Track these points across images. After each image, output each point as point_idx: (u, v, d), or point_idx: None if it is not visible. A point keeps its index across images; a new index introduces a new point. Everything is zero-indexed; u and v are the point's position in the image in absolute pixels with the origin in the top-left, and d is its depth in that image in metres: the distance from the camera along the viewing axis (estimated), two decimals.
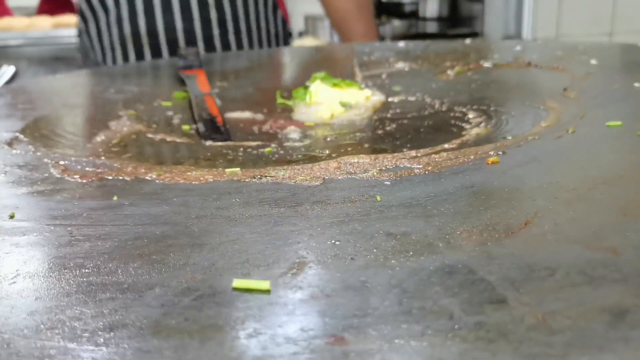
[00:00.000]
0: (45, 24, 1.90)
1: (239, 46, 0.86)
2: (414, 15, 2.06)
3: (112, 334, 0.17)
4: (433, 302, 0.18)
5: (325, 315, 0.18)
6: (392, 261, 0.21)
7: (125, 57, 0.86)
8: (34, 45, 1.84)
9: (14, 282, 0.21)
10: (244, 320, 0.18)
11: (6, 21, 1.90)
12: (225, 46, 0.85)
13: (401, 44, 0.75)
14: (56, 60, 1.84)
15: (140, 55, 0.85)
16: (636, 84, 0.45)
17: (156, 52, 0.85)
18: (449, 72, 0.58)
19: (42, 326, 0.18)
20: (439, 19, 2.01)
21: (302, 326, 0.17)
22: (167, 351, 0.16)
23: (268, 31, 0.90)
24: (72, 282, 0.21)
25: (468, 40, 0.74)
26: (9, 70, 1.07)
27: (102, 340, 0.17)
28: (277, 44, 0.92)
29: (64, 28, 1.83)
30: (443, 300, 0.18)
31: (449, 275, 0.20)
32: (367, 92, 0.52)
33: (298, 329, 0.17)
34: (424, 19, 2.02)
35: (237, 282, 0.20)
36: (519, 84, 0.54)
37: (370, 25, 0.89)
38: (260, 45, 0.89)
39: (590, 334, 0.16)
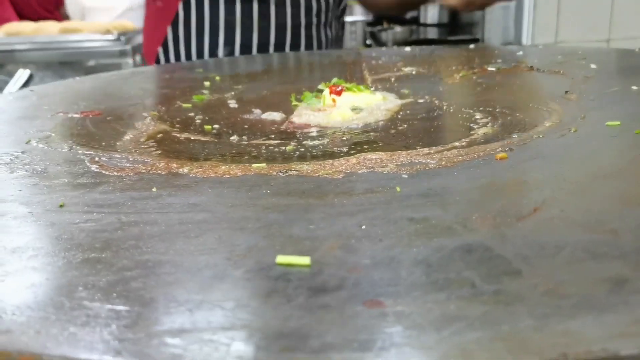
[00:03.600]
0: (52, 29, 1.93)
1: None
2: (414, 21, 2.10)
3: (175, 299, 0.20)
4: (456, 274, 0.21)
5: (361, 285, 0.20)
6: (416, 242, 0.24)
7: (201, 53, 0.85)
8: (42, 50, 1.86)
9: (79, 259, 0.24)
10: (297, 288, 0.20)
11: (14, 26, 1.93)
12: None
13: (407, 49, 0.78)
14: (63, 65, 1.87)
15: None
16: (634, 87, 0.48)
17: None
18: (455, 75, 0.61)
19: (114, 294, 0.20)
20: (440, 25, 2.04)
21: (341, 293, 0.20)
22: (228, 315, 0.19)
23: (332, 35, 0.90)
24: (130, 259, 0.23)
25: (472, 46, 0.77)
26: (24, 74, 1.10)
27: (166, 306, 0.20)
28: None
29: (71, 33, 1.86)
30: (464, 273, 0.21)
31: (468, 252, 0.22)
32: (378, 96, 0.54)
33: (335, 296, 0.20)
34: (425, 25, 2.06)
35: (281, 258, 0.22)
36: (522, 87, 0.56)
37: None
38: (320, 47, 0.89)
39: (594, 299, 0.18)
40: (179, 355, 0.17)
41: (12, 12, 2.17)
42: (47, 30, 1.91)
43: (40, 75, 1.86)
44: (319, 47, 0.86)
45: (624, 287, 0.19)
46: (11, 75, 1.32)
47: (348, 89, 0.54)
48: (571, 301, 0.18)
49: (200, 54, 0.84)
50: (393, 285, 0.20)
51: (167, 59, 0.86)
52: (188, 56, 0.84)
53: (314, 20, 0.83)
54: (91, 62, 1.83)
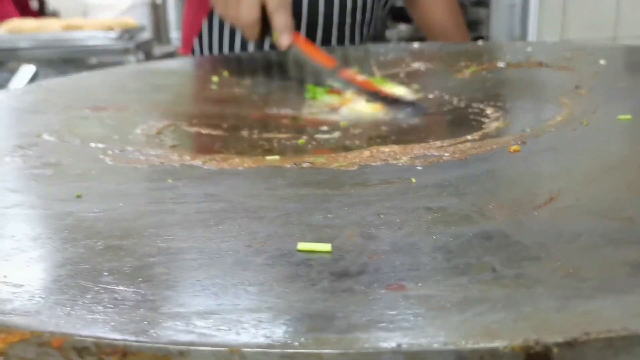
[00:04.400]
0: (54, 26, 1.93)
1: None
2: None
3: (201, 284, 0.20)
4: (476, 259, 0.21)
5: (383, 270, 0.21)
6: (435, 229, 0.24)
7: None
8: (44, 47, 1.87)
9: (101, 246, 0.24)
10: (320, 272, 0.21)
11: (16, 23, 1.93)
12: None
13: (415, 45, 0.78)
14: (65, 62, 1.87)
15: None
16: None
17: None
18: (465, 71, 0.61)
19: (139, 278, 0.21)
20: None
21: (363, 278, 0.20)
22: (254, 299, 0.19)
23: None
24: (152, 246, 0.24)
25: (480, 42, 0.77)
26: (29, 69, 1.10)
27: (192, 290, 0.20)
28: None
29: (74, 30, 1.87)
30: (485, 258, 0.21)
31: (487, 239, 0.22)
32: (401, 89, 0.54)
33: (358, 280, 0.20)
34: None
35: (302, 245, 0.23)
36: (532, 82, 0.57)
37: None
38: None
39: (614, 281, 0.19)
40: (208, 334, 0.17)
41: (13, 7, 2.17)
42: (49, 27, 1.92)
43: (42, 72, 1.87)
44: (353, 45, 0.86)
45: None
46: (13, 72, 1.32)
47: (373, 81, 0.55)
48: (591, 284, 0.19)
49: (232, 48, 0.84)
50: (414, 270, 0.20)
51: (202, 51, 0.87)
52: (220, 49, 0.85)
53: (348, 19, 0.83)
54: (94, 60, 1.83)
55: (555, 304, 0.18)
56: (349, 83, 0.56)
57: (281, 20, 0.63)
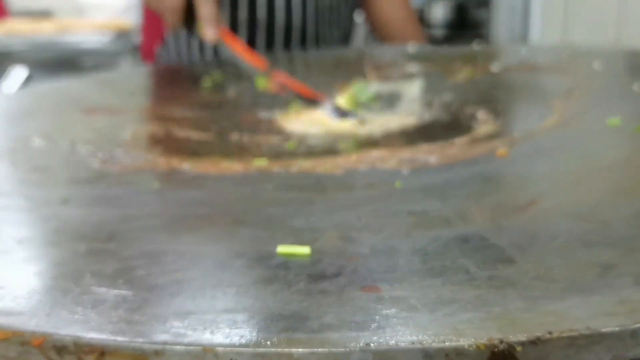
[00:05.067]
0: (48, 27, 1.93)
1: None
2: (421, 20, 2.10)
3: (180, 286, 0.21)
4: (451, 262, 0.21)
5: (359, 272, 0.21)
6: (414, 232, 0.24)
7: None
8: (38, 49, 1.85)
9: (84, 249, 0.24)
10: (297, 275, 0.21)
11: (10, 25, 1.93)
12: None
13: (411, 47, 0.79)
14: (60, 64, 1.86)
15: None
16: (635, 87, 0.48)
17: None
18: (458, 74, 0.62)
19: (120, 280, 0.21)
20: (446, 24, 2.05)
21: (339, 280, 0.20)
22: (230, 300, 0.20)
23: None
24: (134, 249, 0.24)
25: (476, 45, 0.78)
26: (22, 72, 1.09)
27: (170, 291, 0.20)
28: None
29: (68, 33, 1.86)
30: (460, 260, 0.21)
31: (464, 242, 0.23)
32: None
33: (334, 282, 0.20)
34: (431, 25, 2.06)
35: (281, 248, 0.23)
36: (526, 85, 0.57)
37: (422, 36, 0.92)
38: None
39: (582, 282, 0.19)
40: (183, 334, 0.17)
41: (2, 6, 2.16)
42: (42, 28, 1.91)
43: (36, 74, 1.86)
44: (326, 45, 0.86)
45: (612, 271, 0.19)
46: (7, 74, 1.31)
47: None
48: (560, 285, 0.19)
49: (202, 53, 0.84)
50: (390, 272, 0.21)
51: (168, 58, 0.86)
52: (190, 55, 0.84)
53: (325, 18, 0.83)
54: (88, 62, 1.83)
55: (524, 304, 0.18)
56: (283, 86, 0.56)
57: (206, 10, 0.59)
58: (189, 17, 0.62)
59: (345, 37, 0.91)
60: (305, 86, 0.56)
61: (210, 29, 0.59)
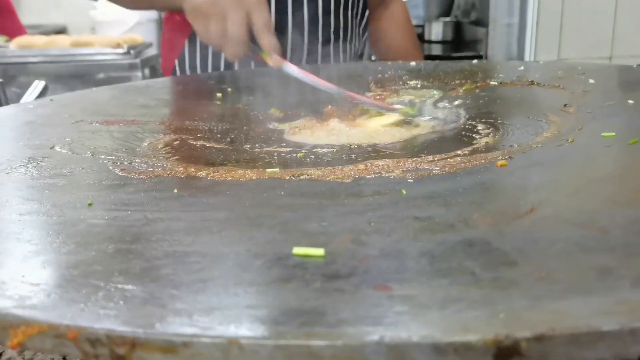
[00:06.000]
0: (64, 42, 1.97)
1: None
2: (420, 37, 2.14)
3: (204, 284, 0.22)
4: (457, 264, 0.23)
5: (371, 272, 0.22)
6: (421, 236, 0.26)
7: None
8: (53, 62, 1.90)
9: (111, 249, 0.26)
10: (313, 274, 0.22)
11: (27, 39, 1.97)
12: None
13: (412, 63, 0.81)
14: (74, 77, 1.90)
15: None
16: (630, 101, 0.50)
17: None
18: (459, 89, 0.64)
19: (146, 279, 0.23)
20: (444, 42, 2.08)
21: (353, 279, 0.22)
22: (252, 297, 0.21)
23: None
24: (159, 250, 0.26)
25: (475, 61, 0.80)
26: (39, 85, 1.13)
27: (195, 289, 0.22)
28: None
29: (82, 47, 1.91)
30: (465, 263, 0.23)
31: (469, 246, 0.24)
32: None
33: (348, 281, 0.22)
34: (430, 42, 2.09)
35: (297, 250, 0.25)
36: (523, 100, 0.59)
37: (421, 54, 0.95)
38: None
39: (583, 284, 0.20)
40: (209, 327, 0.19)
41: (21, 24, 2.21)
42: (58, 43, 1.96)
43: (51, 87, 1.89)
44: (337, 63, 0.88)
45: (611, 275, 0.21)
46: (23, 87, 1.35)
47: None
48: (561, 286, 0.20)
49: (216, 67, 0.86)
50: (400, 272, 0.22)
51: (183, 72, 0.89)
52: (204, 69, 0.87)
53: (332, 37, 0.86)
54: (101, 75, 1.87)
55: (527, 303, 0.19)
56: (359, 100, 0.59)
57: (270, 40, 0.66)
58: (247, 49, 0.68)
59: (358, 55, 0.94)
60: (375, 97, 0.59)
61: (274, 56, 0.66)
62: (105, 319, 0.20)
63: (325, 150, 0.46)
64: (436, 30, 2.11)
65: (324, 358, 0.18)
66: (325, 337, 0.18)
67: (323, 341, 0.18)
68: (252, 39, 0.67)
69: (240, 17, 0.66)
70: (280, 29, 0.82)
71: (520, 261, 0.22)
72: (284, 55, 0.83)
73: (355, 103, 0.59)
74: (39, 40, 1.97)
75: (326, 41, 0.85)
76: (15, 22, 2.19)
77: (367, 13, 0.92)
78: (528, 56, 1.55)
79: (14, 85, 1.74)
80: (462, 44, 2.03)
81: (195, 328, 0.19)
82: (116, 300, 0.21)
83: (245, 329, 0.19)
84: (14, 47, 1.88)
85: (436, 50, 2.02)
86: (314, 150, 0.46)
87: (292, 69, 0.65)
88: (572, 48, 1.53)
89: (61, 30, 2.67)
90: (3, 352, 0.34)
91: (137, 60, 1.82)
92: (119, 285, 0.22)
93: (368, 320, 0.19)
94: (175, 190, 0.35)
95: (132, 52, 1.81)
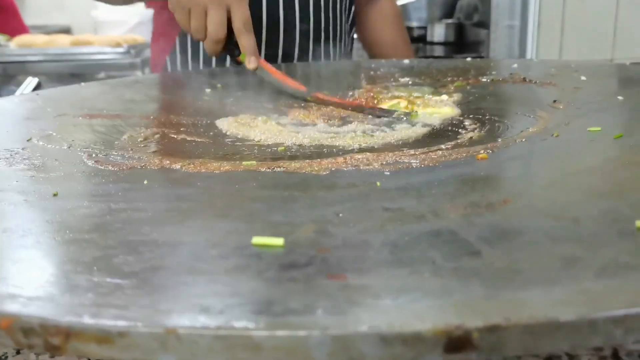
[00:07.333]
0: (64, 41, 1.97)
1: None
2: (422, 39, 2.13)
3: (152, 273, 0.21)
4: (420, 254, 0.22)
5: (329, 262, 0.21)
6: (388, 227, 0.25)
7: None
8: (53, 61, 1.90)
9: (67, 238, 0.25)
10: (269, 264, 0.21)
11: (27, 38, 1.98)
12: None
13: (406, 61, 0.80)
14: (73, 76, 1.91)
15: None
16: (619, 97, 0.49)
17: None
18: (450, 85, 0.63)
19: (94, 268, 0.22)
20: (446, 44, 2.07)
21: (308, 269, 0.21)
22: (200, 286, 0.20)
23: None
24: (115, 239, 0.25)
25: (469, 59, 0.79)
26: (32, 82, 1.13)
27: (143, 278, 0.21)
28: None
29: (82, 46, 1.91)
30: (428, 253, 0.22)
31: (434, 236, 0.23)
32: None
33: (303, 271, 0.21)
34: (432, 43, 2.08)
35: (256, 239, 0.24)
36: (513, 97, 0.58)
37: (411, 52, 0.95)
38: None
39: (545, 274, 0.19)
40: (149, 316, 0.18)
41: (23, 24, 2.22)
42: (58, 42, 1.96)
43: (50, 86, 1.90)
44: (327, 60, 0.88)
45: (576, 264, 0.20)
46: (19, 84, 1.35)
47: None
48: (523, 276, 0.19)
49: (207, 64, 0.86)
50: (359, 262, 0.21)
51: (175, 69, 0.88)
52: (195, 66, 0.86)
53: (322, 34, 0.85)
54: (101, 74, 1.87)
55: (485, 292, 0.18)
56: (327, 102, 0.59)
57: (248, 41, 0.66)
58: (226, 46, 0.68)
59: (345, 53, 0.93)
60: (345, 100, 0.59)
61: (252, 58, 0.66)
62: (42, 308, 0.19)
63: (306, 143, 0.45)
64: (438, 32, 2.10)
65: (264, 349, 0.17)
66: (268, 327, 0.17)
67: (264, 332, 0.17)
68: (233, 35, 0.67)
69: (219, 15, 0.65)
70: (271, 28, 0.81)
71: (484, 251, 0.21)
72: (275, 53, 0.83)
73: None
74: (39, 39, 1.97)
75: (317, 39, 0.84)
76: (17, 22, 2.20)
77: (353, 9, 0.92)
78: (529, 57, 1.54)
79: (13, 84, 1.74)
80: (465, 45, 2.01)
81: (133, 318, 0.18)
82: (57, 289, 0.20)
83: (186, 319, 0.18)
84: (14, 46, 1.88)
85: (438, 51, 2.01)
86: (295, 143, 0.45)
87: (266, 73, 0.65)
88: (573, 50, 1.51)
89: (65, 31, 2.68)
90: (4, 353, 0.33)
91: (137, 60, 1.82)
92: (66, 274, 0.21)
93: (316, 310, 0.18)
94: (145, 182, 0.34)
95: (132, 51, 1.81)
